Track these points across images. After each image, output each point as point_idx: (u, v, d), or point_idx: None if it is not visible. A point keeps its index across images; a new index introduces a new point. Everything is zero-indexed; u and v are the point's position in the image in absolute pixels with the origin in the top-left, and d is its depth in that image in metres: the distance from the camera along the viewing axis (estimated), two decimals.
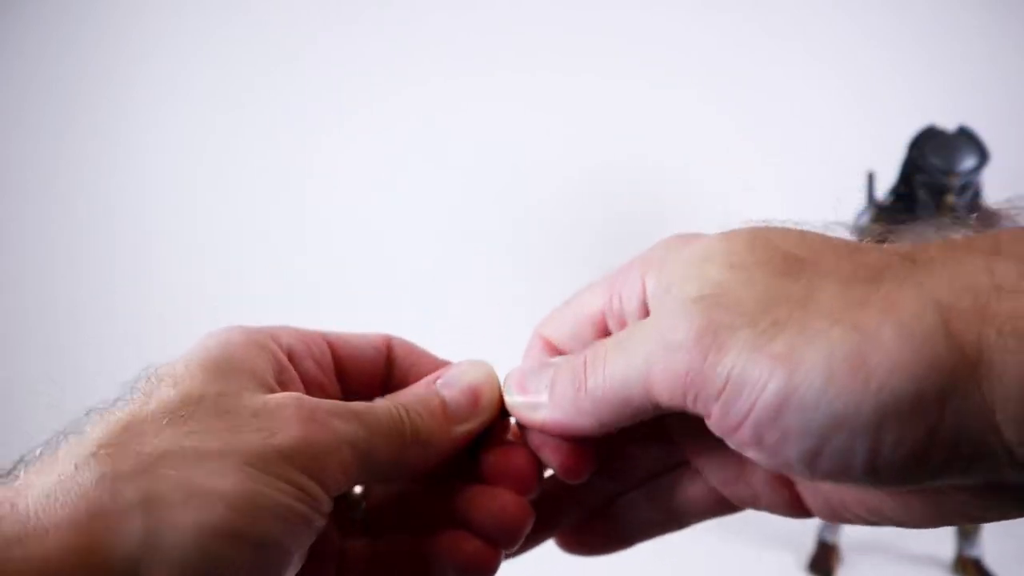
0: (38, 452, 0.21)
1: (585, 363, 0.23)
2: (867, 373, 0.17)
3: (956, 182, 0.77)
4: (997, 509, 0.20)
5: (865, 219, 0.85)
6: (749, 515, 0.92)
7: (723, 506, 0.27)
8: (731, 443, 0.20)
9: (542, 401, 0.25)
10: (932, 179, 0.78)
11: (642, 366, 0.21)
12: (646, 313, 0.23)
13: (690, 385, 0.20)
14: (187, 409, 0.21)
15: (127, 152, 1.24)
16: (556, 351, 0.27)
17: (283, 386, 0.24)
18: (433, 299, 1.18)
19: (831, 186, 1.02)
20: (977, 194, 0.81)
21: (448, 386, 0.26)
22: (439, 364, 0.29)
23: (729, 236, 0.21)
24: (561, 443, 0.25)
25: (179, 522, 0.19)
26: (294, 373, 0.25)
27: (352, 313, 1.16)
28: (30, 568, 0.18)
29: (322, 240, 1.21)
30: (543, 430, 0.25)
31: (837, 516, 0.23)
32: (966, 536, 0.85)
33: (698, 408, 0.20)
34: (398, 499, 0.29)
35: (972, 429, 0.17)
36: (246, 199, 1.22)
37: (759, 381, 0.18)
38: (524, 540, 0.27)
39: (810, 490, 0.24)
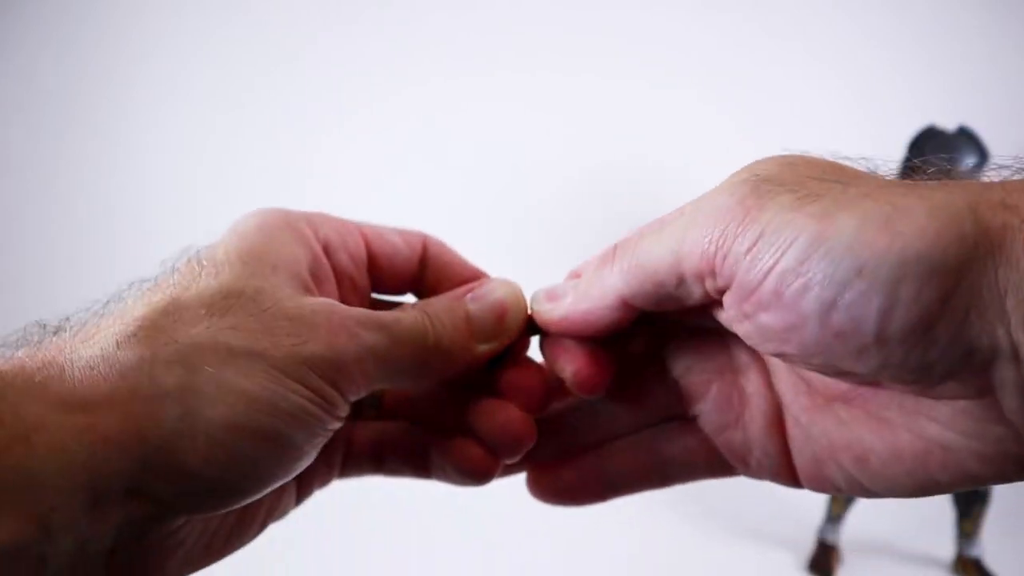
0: (84, 316, 0.22)
1: (616, 246, 0.24)
2: (894, 233, 0.18)
3: None
4: (984, 463, 0.20)
5: None
6: (749, 515, 0.93)
7: (712, 466, 0.26)
8: (746, 310, 0.20)
9: (568, 299, 0.25)
10: (932, 179, 0.79)
11: (677, 236, 0.21)
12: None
13: (722, 243, 0.20)
14: (225, 303, 0.22)
15: (127, 152, 1.24)
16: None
17: (316, 280, 0.25)
18: None
19: None
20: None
21: (477, 302, 0.27)
22: (471, 270, 0.30)
23: (778, 156, 0.22)
24: (577, 349, 0.26)
25: (210, 415, 0.20)
26: (328, 266, 0.26)
27: None
28: (77, 436, 0.19)
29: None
30: (564, 323, 0.26)
31: (823, 472, 0.23)
32: (966, 536, 0.86)
33: (724, 269, 0.20)
34: (412, 397, 0.30)
35: (982, 305, 0.18)
36: (246, 199, 1.22)
37: (792, 232, 0.19)
38: (520, 458, 0.27)
39: (799, 436, 0.24)
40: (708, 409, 0.25)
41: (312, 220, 0.26)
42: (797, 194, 0.19)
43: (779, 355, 0.21)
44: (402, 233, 0.29)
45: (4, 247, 1.22)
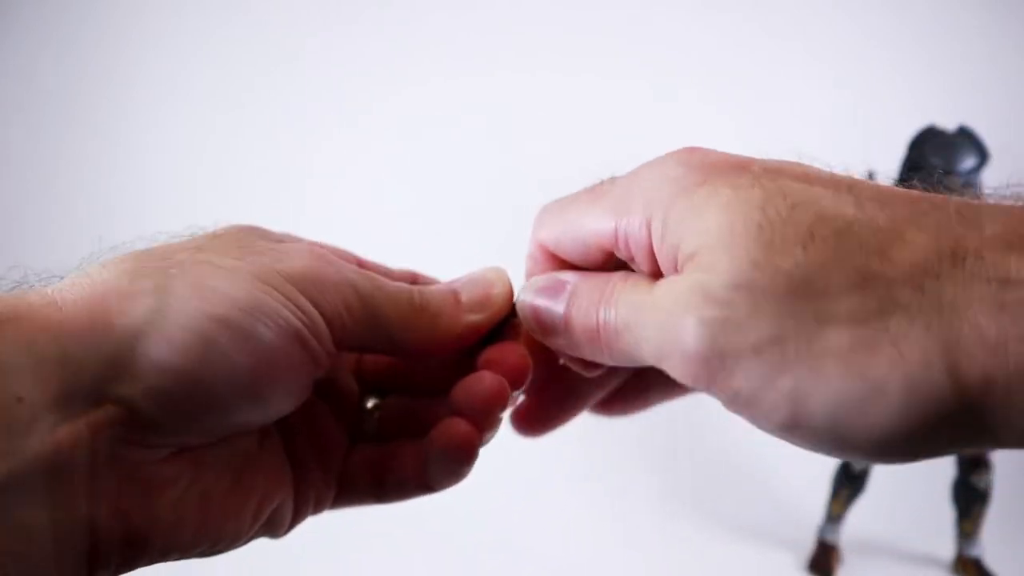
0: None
1: (599, 325, 0.24)
2: (872, 420, 0.18)
3: (956, 182, 0.77)
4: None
5: None
6: (749, 515, 0.92)
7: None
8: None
9: (559, 322, 0.25)
10: (934, 179, 0.78)
11: (655, 350, 0.22)
12: (653, 261, 0.23)
13: (703, 385, 0.21)
14: (210, 242, 0.24)
15: (127, 152, 1.24)
16: (563, 264, 0.27)
17: None
18: None
19: None
20: (977, 194, 0.80)
21: (462, 282, 0.28)
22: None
23: (737, 203, 0.20)
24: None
25: (184, 308, 0.20)
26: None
27: None
28: (45, 328, 0.19)
29: (322, 239, 1.21)
30: (559, 352, 0.27)
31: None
32: (966, 536, 0.85)
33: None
34: (410, 411, 0.30)
35: (967, 446, 0.18)
36: (246, 199, 1.22)
37: (767, 410, 0.19)
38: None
39: None
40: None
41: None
42: (762, 358, 0.19)
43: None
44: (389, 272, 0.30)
45: (4, 247, 1.22)
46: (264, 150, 1.22)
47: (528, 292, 0.27)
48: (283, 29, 1.22)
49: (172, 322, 0.20)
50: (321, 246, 0.27)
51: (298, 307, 0.22)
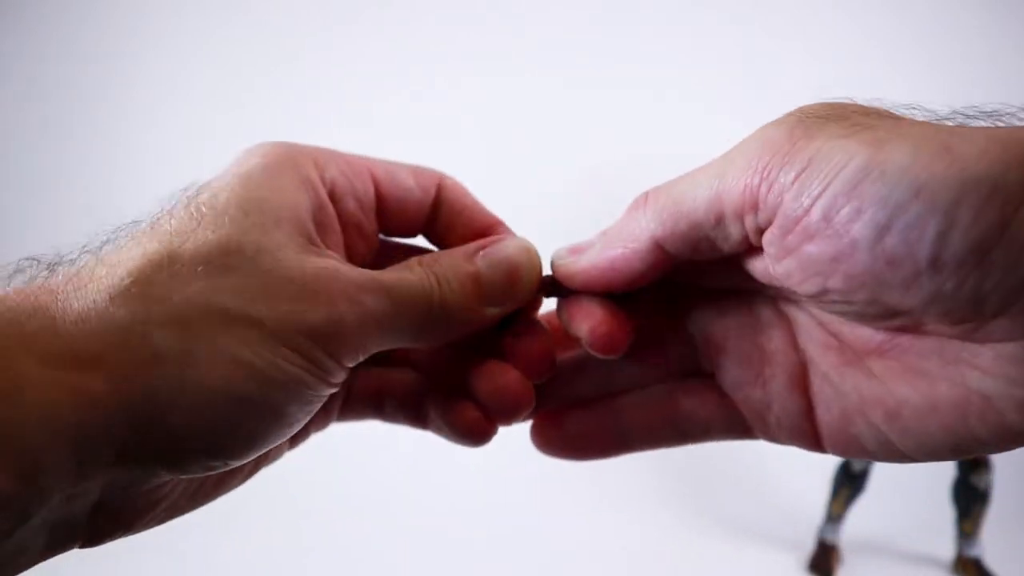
0: (77, 255, 0.22)
1: (647, 193, 0.23)
2: (953, 157, 0.17)
3: None
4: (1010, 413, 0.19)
5: None
6: (749, 515, 0.92)
7: (729, 425, 0.25)
8: (790, 244, 0.20)
9: (595, 249, 0.24)
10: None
11: (718, 172, 0.21)
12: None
13: (767, 173, 0.20)
14: (224, 260, 0.21)
15: (126, 152, 1.24)
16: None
17: (321, 230, 0.24)
18: None
19: None
20: None
21: (487, 259, 0.25)
22: (487, 217, 0.28)
23: (825, 101, 0.21)
24: (596, 307, 0.25)
25: (203, 383, 0.20)
26: (333, 214, 0.25)
27: None
28: (66, 394, 0.18)
29: None
30: (590, 272, 0.25)
31: (849, 430, 0.22)
32: (966, 536, 0.86)
33: (769, 199, 0.20)
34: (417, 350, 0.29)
35: None
36: None
37: (843, 158, 0.18)
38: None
39: (826, 392, 0.22)
40: (727, 365, 0.24)
41: (319, 160, 0.25)
42: (847, 122, 0.19)
43: (819, 294, 0.20)
44: (416, 173, 0.27)
45: (4, 248, 1.22)
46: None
47: (563, 252, 0.26)
48: (284, 30, 1.21)
49: (192, 400, 0.20)
50: (338, 163, 0.25)
51: (320, 367, 0.21)
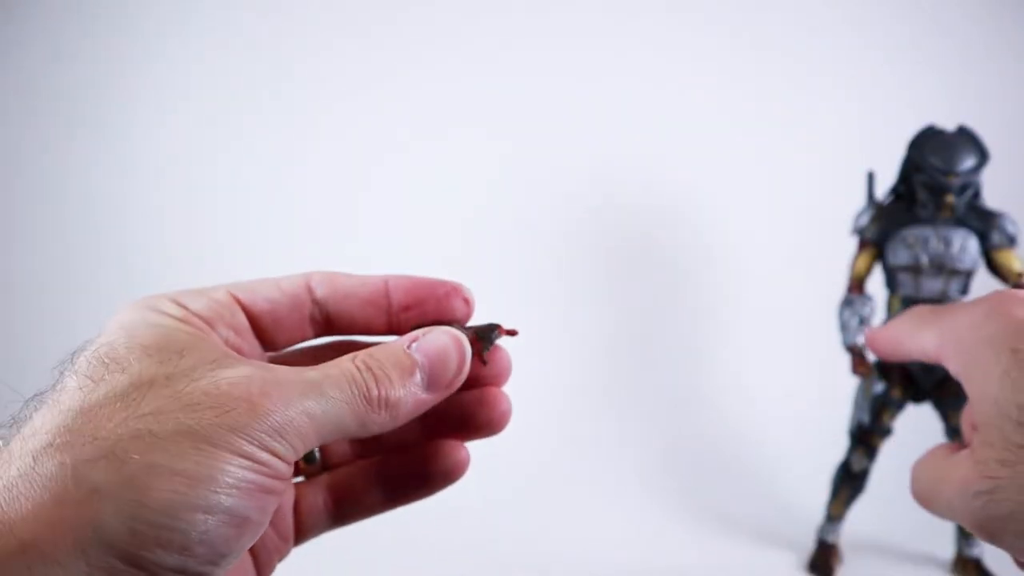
0: None
1: (915, 493, 0.32)
2: None
3: (955, 182, 0.77)
4: None
5: (864, 219, 0.85)
6: (749, 515, 0.92)
7: None
8: None
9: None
10: (931, 179, 0.78)
11: (950, 513, 0.30)
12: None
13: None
14: (139, 392, 0.22)
15: (124, 154, 1.24)
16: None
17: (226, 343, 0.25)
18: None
19: (831, 186, 1.03)
20: (977, 194, 0.81)
21: (421, 351, 0.26)
22: (373, 284, 0.29)
23: (1010, 375, 0.26)
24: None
25: (147, 503, 0.20)
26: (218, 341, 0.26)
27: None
28: (12, 559, 0.18)
29: (322, 240, 1.21)
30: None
31: None
32: (966, 536, 0.85)
33: None
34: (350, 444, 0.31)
35: None
36: (246, 202, 1.22)
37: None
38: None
39: None
40: None
41: (181, 300, 0.26)
42: (1016, 526, 0.27)
43: None
44: (280, 282, 0.29)
45: (5, 247, 1.22)
46: (265, 154, 1.22)
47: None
48: (284, 30, 1.21)
49: (142, 522, 0.20)
50: (197, 295, 0.27)
51: (256, 461, 0.22)
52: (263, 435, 0.22)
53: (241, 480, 0.21)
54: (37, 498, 0.19)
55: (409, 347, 0.26)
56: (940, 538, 0.88)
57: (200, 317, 0.26)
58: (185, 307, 0.26)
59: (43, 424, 0.21)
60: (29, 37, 1.21)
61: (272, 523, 0.27)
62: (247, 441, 0.21)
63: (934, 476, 0.30)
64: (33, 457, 0.20)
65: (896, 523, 0.93)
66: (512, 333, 0.30)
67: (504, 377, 0.30)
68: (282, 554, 0.28)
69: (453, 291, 0.29)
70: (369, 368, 0.25)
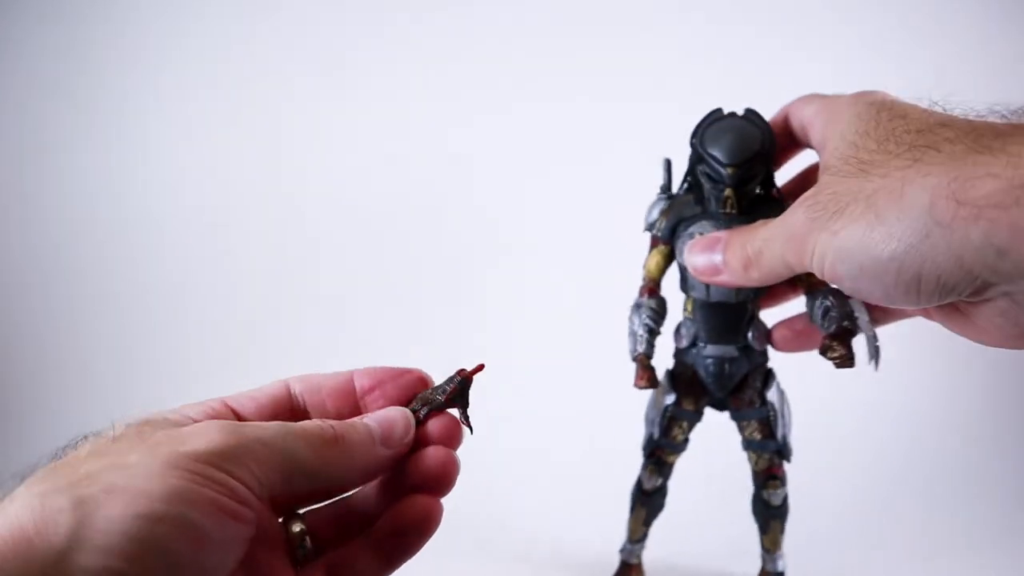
0: None
1: (748, 256, 0.45)
2: (884, 241, 0.34)
3: (734, 174, 0.64)
4: None
5: (655, 213, 0.72)
6: (748, 514, 0.91)
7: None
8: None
9: (720, 265, 0.49)
10: (711, 171, 0.66)
11: (779, 252, 0.41)
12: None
13: (799, 258, 0.39)
14: (110, 447, 0.25)
15: (123, 155, 1.24)
16: (790, 140, 0.56)
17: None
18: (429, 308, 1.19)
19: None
20: (769, 183, 0.69)
21: (373, 418, 0.32)
22: (340, 378, 0.34)
23: (860, 115, 0.40)
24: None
25: (106, 514, 0.21)
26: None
27: (354, 317, 1.16)
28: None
29: (323, 240, 1.21)
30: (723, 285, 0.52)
31: None
32: (769, 552, 0.80)
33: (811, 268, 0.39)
34: (337, 526, 0.34)
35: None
36: (246, 205, 1.22)
37: (824, 247, 0.36)
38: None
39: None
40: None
41: (182, 411, 0.30)
42: (828, 214, 0.37)
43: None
44: (263, 388, 0.34)
45: (5, 248, 1.22)
46: (266, 157, 1.22)
47: (695, 250, 0.52)
48: (284, 31, 1.22)
49: (97, 531, 0.21)
50: (224, 404, 0.31)
51: (214, 481, 0.23)
52: (224, 461, 0.24)
53: (204, 497, 0.23)
54: (6, 524, 0.21)
55: (366, 418, 0.32)
56: (746, 556, 0.83)
57: (195, 421, 0.29)
58: (185, 415, 0.29)
59: (24, 484, 0.23)
60: (26, 36, 1.21)
61: None
62: (209, 466, 0.23)
63: (764, 233, 0.43)
64: (11, 499, 0.22)
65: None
66: (478, 370, 0.34)
67: (454, 443, 0.34)
68: None
69: (407, 371, 0.34)
70: (332, 426, 0.29)
